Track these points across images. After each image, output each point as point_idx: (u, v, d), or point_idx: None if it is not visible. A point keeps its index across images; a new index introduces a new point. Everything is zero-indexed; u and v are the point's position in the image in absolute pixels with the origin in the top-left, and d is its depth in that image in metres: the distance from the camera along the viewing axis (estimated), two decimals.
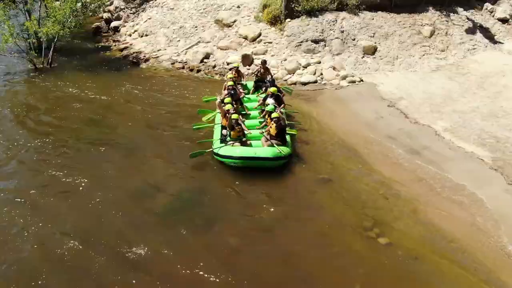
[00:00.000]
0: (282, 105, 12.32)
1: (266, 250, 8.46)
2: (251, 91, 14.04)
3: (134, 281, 7.67)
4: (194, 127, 12.11)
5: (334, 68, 16.18)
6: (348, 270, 8.05)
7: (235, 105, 11.68)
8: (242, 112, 12.32)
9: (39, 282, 7.68)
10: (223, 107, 11.56)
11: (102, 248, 8.44)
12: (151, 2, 21.78)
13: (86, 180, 10.41)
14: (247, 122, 12.11)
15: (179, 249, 8.40)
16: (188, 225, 9.01)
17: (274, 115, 10.98)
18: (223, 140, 11.09)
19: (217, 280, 7.71)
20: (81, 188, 10.19)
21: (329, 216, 9.38)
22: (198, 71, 16.89)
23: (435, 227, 8.94)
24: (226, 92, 12.61)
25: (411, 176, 10.61)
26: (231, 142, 10.86)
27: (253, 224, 9.16)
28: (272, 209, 9.59)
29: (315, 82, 15.78)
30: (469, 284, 7.69)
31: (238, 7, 19.09)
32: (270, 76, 14.05)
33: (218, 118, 12.15)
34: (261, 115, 12.34)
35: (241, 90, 13.54)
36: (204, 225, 9.03)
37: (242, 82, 14.29)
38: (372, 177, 10.62)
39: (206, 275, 7.79)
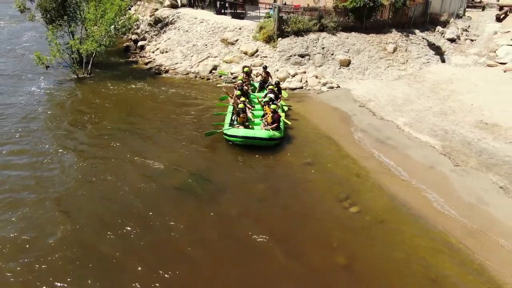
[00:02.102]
0: (279, 99, 12.95)
1: (260, 217, 8.48)
2: (257, 90, 14.41)
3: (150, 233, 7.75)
4: (214, 114, 12.72)
5: (316, 77, 16.21)
6: (326, 232, 8.06)
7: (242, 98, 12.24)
8: (249, 105, 12.60)
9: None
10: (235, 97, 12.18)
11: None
12: (170, 25, 21.82)
13: (118, 144, 11.22)
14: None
15: (189, 217, 8.40)
16: (198, 197, 9.02)
17: (272, 106, 11.32)
18: (231, 124, 11.49)
19: (220, 242, 7.72)
20: (112, 153, 10.88)
21: (312, 191, 9.41)
22: (208, 79, 16.93)
23: (396, 198, 8.98)
24: (235, 87, 13.14)
25: (378, 159, 10.65)
26: (237, 125, 11.32)
27: (251, 196, 9.13)
28: (267, 186, 9.61)
29: (301, 87, 15.84)
30: (422, 241, 7.74)
31: (240, 29, 19.11)
32: (271, 78, 14.37)
33: (230, 108, 12.43)
34: (262, 101, 12.64)
35: (248, 88, 13.86)
36: (210, 198, 9.03)
37: (251, 82, 14.63)
38: (347, 161, 10.66)
39: (210, 239, 7.80)
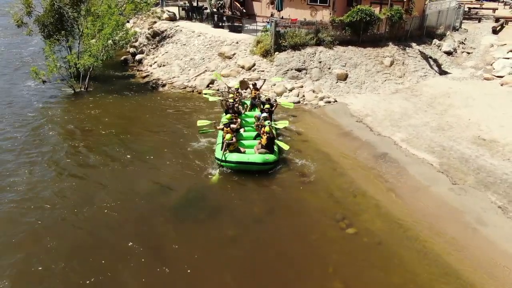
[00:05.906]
0: (274, 107, 13.02)
1: (257, 238, 8.35)
2: (248, 109, 13.99)
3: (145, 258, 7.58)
4: (199, 131, 12.31)
5: (313, 91, 16.15)
6: (323, 255, 7.93)
7: (234, 117, 11.85)
8: (242, 127, 12.33)
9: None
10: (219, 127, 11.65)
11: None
12: (168, 39, 21.82)
13: (111, 162, 11.16)
14: (244, 134, 12.09)
15: (185, 238, 8.27)
16: (194, 218, 8.89)
17: (266, 129, 10.87)
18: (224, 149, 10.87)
19: (216, 263, 7.59)
20: (104, 171, 10.71)
21: (308, 211, 9.27)
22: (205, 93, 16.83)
23: (393, 219, 8.85)
24: (225, 108, 12.70)
25: (375, 177, 10.52)
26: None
27: (247, 217, 9.01)
28: (263, 205, 9.50)
29: (299, 102, 15.73)
30: (420, 265, 7.58)
31: (237, 42, 19.08)
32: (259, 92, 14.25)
33: (220, 134, 11.67)
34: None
35: (240, 107, 13.54)
36: (207, 218, 8.90)
37: (242, 100, 14.32)
38: (343, 179, 10.54)
39: (206, 260, 7.67)
